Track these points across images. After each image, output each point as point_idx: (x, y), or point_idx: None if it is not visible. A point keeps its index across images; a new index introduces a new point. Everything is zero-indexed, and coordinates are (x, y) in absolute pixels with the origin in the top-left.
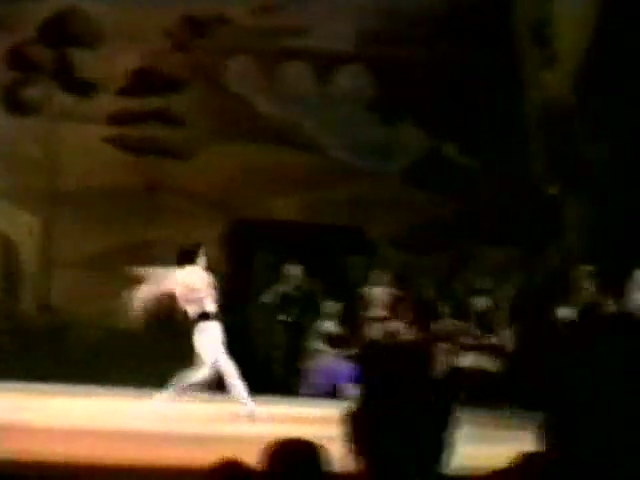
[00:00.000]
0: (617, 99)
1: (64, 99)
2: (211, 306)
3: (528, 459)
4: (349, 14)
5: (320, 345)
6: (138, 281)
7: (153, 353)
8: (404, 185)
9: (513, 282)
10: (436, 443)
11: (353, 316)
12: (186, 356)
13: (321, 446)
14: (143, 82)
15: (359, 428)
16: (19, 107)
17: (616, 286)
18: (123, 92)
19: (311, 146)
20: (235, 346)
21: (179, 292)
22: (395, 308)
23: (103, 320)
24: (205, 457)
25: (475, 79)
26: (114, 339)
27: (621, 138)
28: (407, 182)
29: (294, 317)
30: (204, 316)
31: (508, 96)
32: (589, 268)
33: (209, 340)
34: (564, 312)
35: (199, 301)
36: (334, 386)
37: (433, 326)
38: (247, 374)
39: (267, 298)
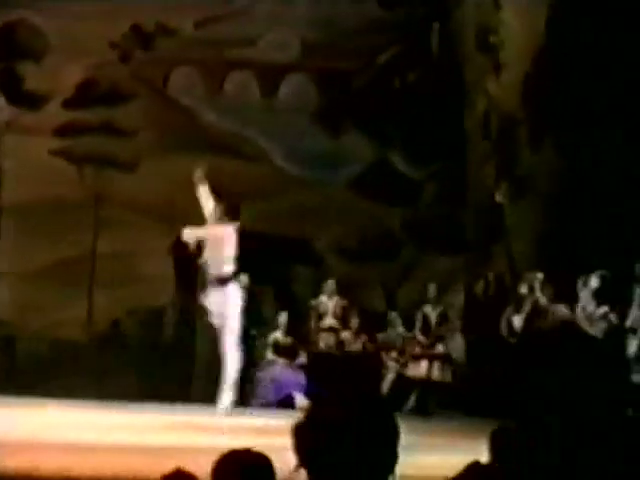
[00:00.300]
0: (563, 107)
1: (11, 111)
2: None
3: (471, 469)
4: (293, 25)
5: (269, 355)
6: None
7: (98, 365)
8: (351, 195)
9: (461, 290)
10: (382, 454)
11: (301, 326)
12: (129, 370)
13: (270, 457)
14: (89, 94)
15: (306, 439)
16: None
17: (566, 293)
18: (69, 104)
19: (257, 156)
20: (183, 356)
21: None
22: (343, 318)
23: (50, 332)
24: (157, 468)
25: (420, 88)
26: (60, 351)
27: (567, 145)
28: (354, 192)
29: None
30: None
31: (453, 105)
32: (538, 275)
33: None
34: (516, 320)
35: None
36: (285, 396)
37: (381, 335)
38: (194, 384)
39: None
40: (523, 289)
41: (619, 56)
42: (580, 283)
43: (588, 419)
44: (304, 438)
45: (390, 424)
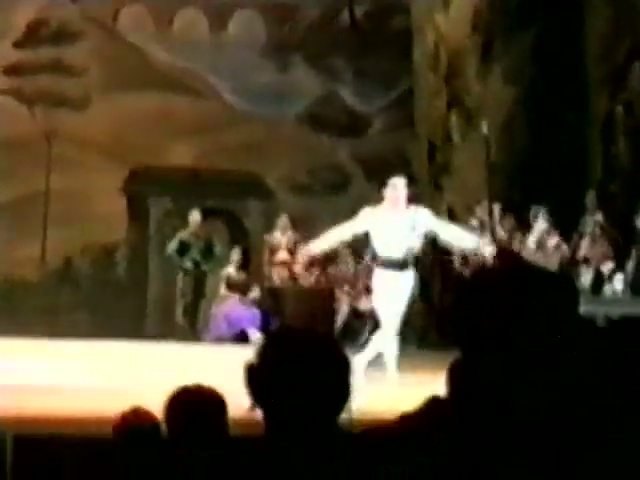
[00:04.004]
0: (512, 37)
1: None
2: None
3: (430, 404)
4: None
5: (222, 290)
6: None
7: (51, 302)
8: (300, 129)
9: None
10: (336, 389)
11: (253, 261)
12: (83, 307)
13: (221, 393)
14: (39, 33)
15: (259, 377)
16: None
17: (520, 225)
18: (19, 44)
19: (206, 92)
20: (136, 293)
21: None
22: (295, 252)
23: (3, 270)
24: (111, 407)
25: (368, 23)
26: (12, 289)
27: (516, 75)
28: (302, 126)
29: (193, 263)
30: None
31: (402, 39)
32: (495, 206)
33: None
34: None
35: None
36: (238, 331)
37: (333, 269)
38: (149, 321)
39: (171, 247)
40: (474, 221)
41: None
42: (532, 215)
43: (543, 352)
44: (257, 376)
45: (342, 358)
